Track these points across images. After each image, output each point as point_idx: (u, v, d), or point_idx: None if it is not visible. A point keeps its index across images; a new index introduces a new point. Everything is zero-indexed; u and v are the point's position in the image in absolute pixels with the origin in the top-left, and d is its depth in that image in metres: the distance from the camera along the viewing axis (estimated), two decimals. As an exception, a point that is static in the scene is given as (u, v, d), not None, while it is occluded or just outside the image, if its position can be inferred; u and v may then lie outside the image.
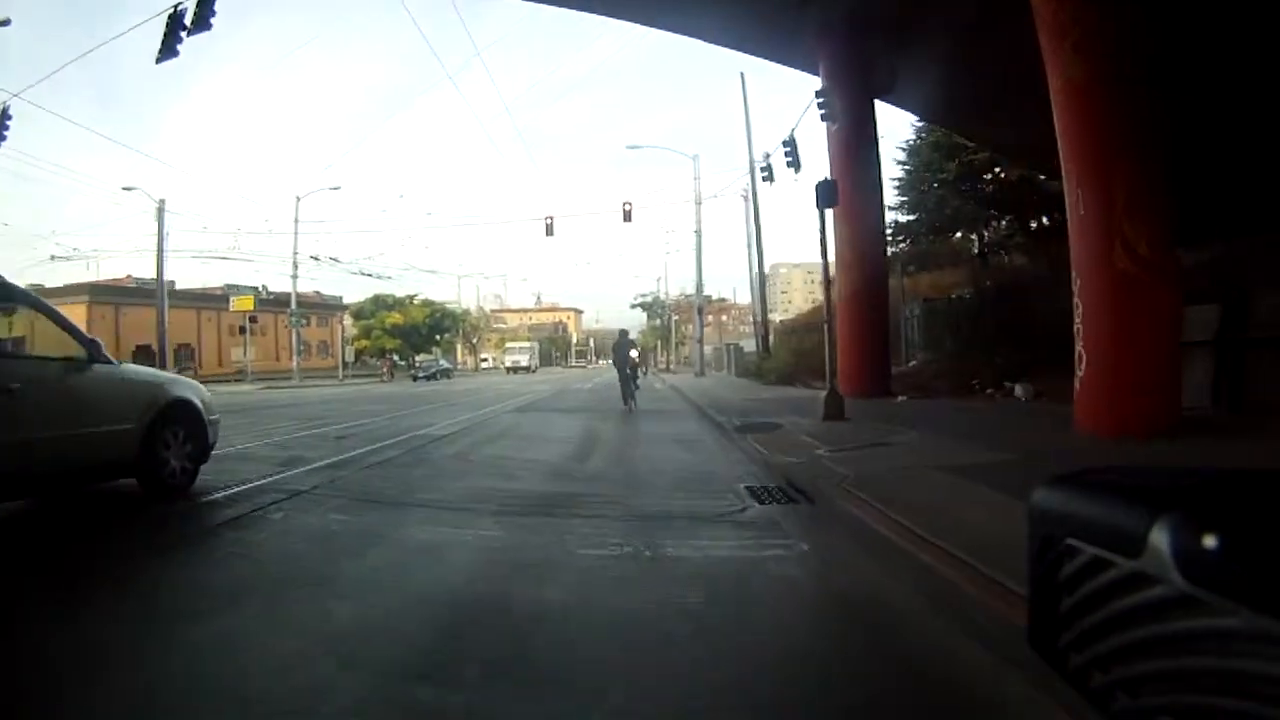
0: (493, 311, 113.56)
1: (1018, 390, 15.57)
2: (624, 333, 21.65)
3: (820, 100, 18.53)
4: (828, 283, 14.04)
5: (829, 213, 13.70)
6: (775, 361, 29.33)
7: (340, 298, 75.56)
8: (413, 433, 12.68)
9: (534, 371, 72.25)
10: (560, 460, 9.38)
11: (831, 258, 14.31)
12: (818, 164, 21.94)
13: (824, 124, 18.88)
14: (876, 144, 20.18)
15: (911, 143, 35.16)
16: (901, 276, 27.57)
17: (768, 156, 25.08)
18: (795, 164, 21.51)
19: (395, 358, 64.95)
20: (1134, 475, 0.85)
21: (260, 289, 60.47)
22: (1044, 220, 32.78)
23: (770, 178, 24.57)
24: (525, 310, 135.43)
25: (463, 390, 31.85)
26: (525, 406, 19.95)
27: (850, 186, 17.86)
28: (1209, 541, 0.63)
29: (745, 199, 36.03)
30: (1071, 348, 12.09)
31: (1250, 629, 0.60)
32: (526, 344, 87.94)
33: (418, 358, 66.11)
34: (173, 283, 60.45)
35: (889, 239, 45.70)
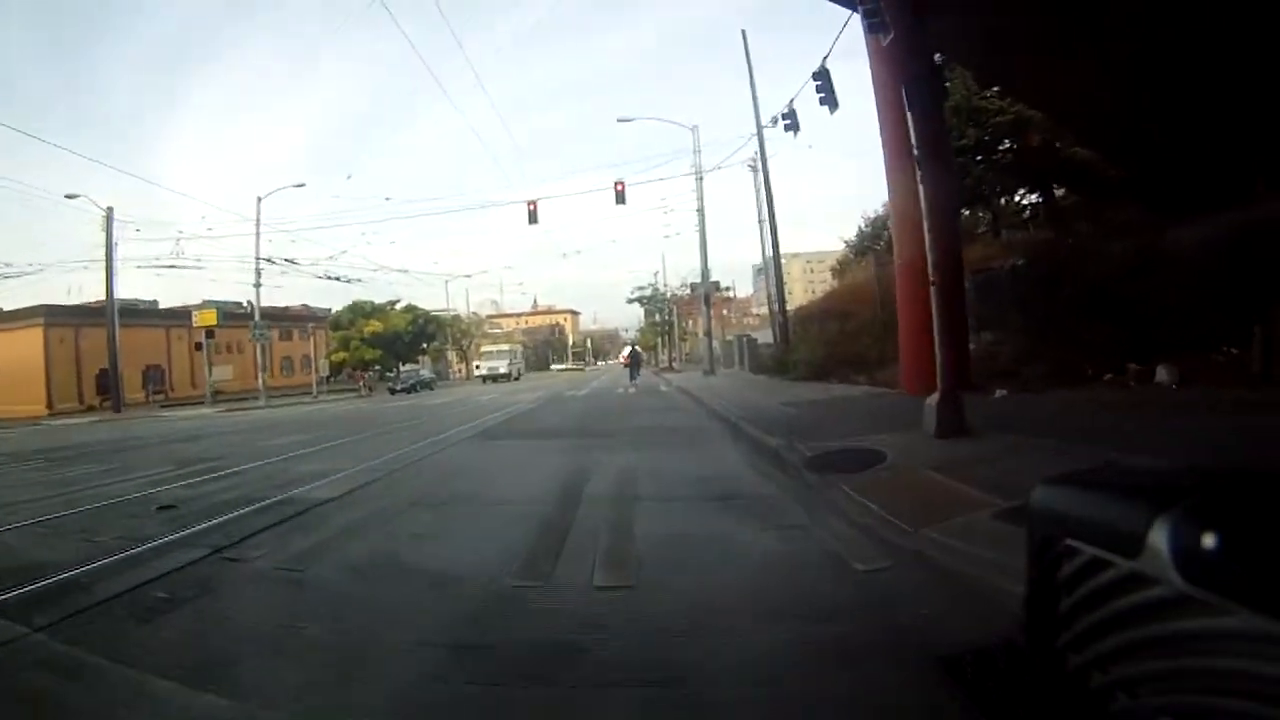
0: (488, 317, 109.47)
1: (1161, 374, 11.98)
2: (634, 345, 32.94)
3: (867, 7, 13.97)
4: (928, 225, 9.42)
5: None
6: (801, 354, 24.62)
7: (330, 310, 70.57)
8: (288, 492, 8.01)
9: (516, 379, 63.31)
10: (495, 575, 4.55)
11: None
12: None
13: (868, 41, 14.39)
14: (937, 70, 15.62)
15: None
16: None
17: (788, 107, 20.40)
18: (830, 100, 16.96)
19: (378, 369, 60.27)
20: (1132, 475, 0.91)
21: (245, 304, 56.38)
22: (1059, 191, 30.27)
23: (795, 126, 20.06)
24: (521, 315, 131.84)
25: (433, 405, 26.94)
26: (493, 429, 15.08)
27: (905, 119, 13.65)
28: (1207, 541, 0.63)
29: (753, 169, 31.50)
30: (1194, 324, 11.40)
31: (1249, 629, 0.60)
32: (505, 347, 74.56)
33: (404, 367, 61.26)
34: (155, 301, 59.04)
35: None
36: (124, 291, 52.20)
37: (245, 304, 56.36)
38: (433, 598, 4.27)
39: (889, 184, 14.89)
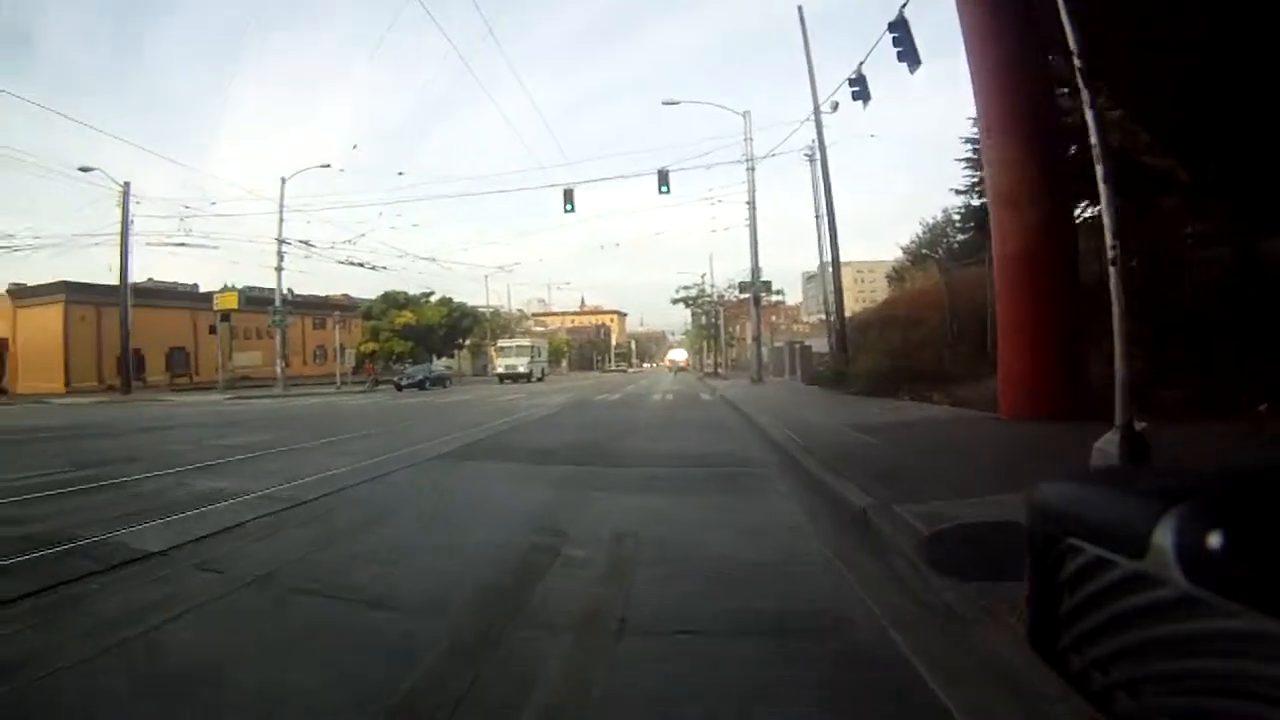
0: (535, 315, 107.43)
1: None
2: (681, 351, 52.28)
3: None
4: (1102, 171, 6.33)
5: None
6: (863, 364, 21.24)
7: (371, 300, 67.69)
8: (137, 525, 5.73)
9: (540, 379, 55.79)
10: None
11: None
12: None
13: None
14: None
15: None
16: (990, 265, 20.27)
17: (857, 71, 17.15)
18: (910, 55, 13.88)
19: (407, 361, 57.11)
20: (1136, 475, 0.95)
21: (287, 292, 54.68)
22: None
23: (864, 94, 16.79)
24: (569, 314, 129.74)
25: (437, 405, 23.80)
26: (481, 444, 11.77)
27: (1009, 69, 11.46)
28: (1212, 542, 0.62)
29: (810, 158, 28.31)
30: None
31: (1253, 630, 0.59)
32: (526, 343, 62.94)
33: (432, 360, 58.08)
34: (195, 285, 58.29)
35: (956, 225, 40.02)
36: (163, 274, 50.86)
37: (288, 291, 54.79)
38: None
39: (988, 158, 12.12)
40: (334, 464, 9.12)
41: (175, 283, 60.04)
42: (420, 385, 42.18)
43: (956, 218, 39.23)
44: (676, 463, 9.08)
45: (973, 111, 30.28)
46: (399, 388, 41.93)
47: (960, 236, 37.47)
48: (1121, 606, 0.72)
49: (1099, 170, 6.19)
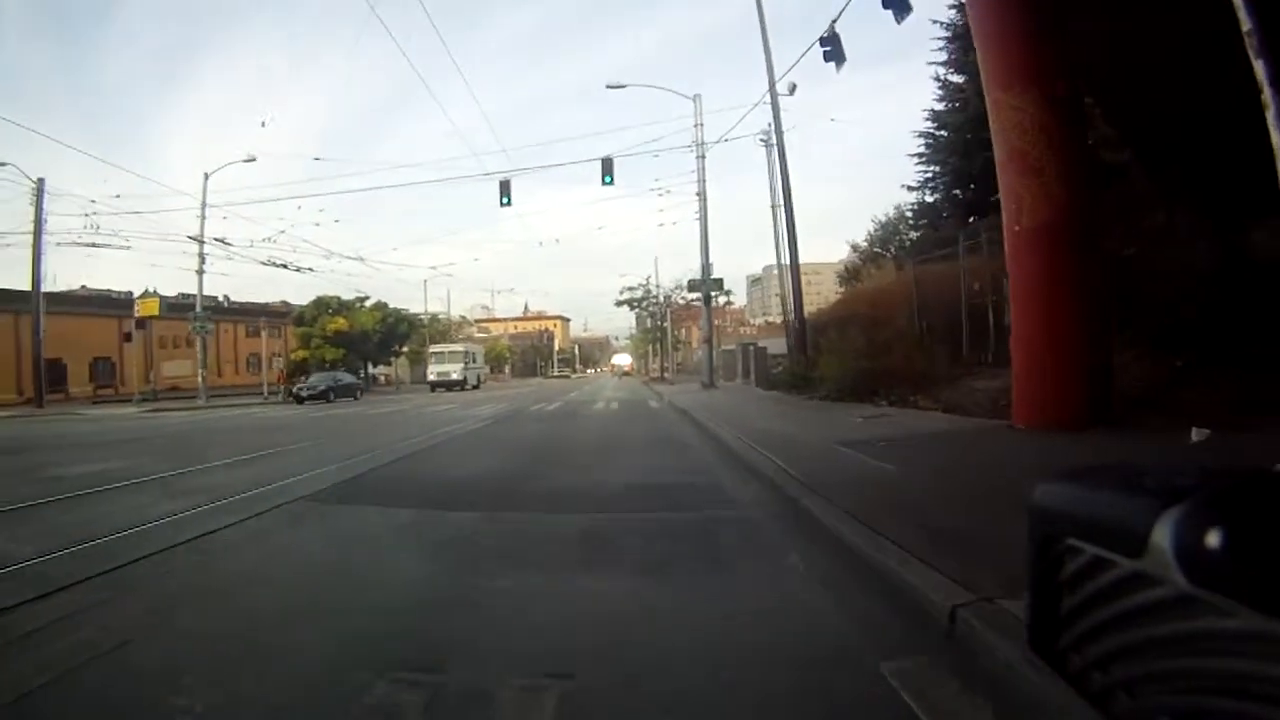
0: (478, 321, 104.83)
1: None
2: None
3: None
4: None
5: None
6: (830, 368, 19.14)
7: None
8: None
9: (475, 386, 53.99)
10: None
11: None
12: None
13: None
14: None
15: (943, 107, 28.61)
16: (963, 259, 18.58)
17: (830, 30, 15.09)
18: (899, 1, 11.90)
19: (340, 368, 53.83)
20: (1135, 474, 0.82)
21: (222, 299, 51.92)
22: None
23: (837, 54, 14.75)
24: (512, 319, 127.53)
25: (353, 419, 21.22)
26: (374, 472, 9.36)
27: (1025, 20, 10.03)
28: (1211, 541, 0.61)
29: (767, 143, 26.46)
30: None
31: (1252, 629, 0.59)
32: (459, 349, 60.24)
33: (366, 368, 55.38)
34: (129, 293, 53.20)
35: (909, 222, 39.04)
36: (97, 281, 48.25)
37: (223, 298, 52.22)
38: None
39: (999, 124, 10.46)
40: (159, 509, 6.79)
41: (108, 290, 56.66)
42: (324, 397, 37.84)
43: (909, 214, 38.39)
44: (627, 505, 6.69)
45: (926, 104, 29.09)
46: (299, 400, 37.54)
47: (913, 233, 36.69)
48: (1121, 606, 0.71)
49: (1260, 68, 4.05)
